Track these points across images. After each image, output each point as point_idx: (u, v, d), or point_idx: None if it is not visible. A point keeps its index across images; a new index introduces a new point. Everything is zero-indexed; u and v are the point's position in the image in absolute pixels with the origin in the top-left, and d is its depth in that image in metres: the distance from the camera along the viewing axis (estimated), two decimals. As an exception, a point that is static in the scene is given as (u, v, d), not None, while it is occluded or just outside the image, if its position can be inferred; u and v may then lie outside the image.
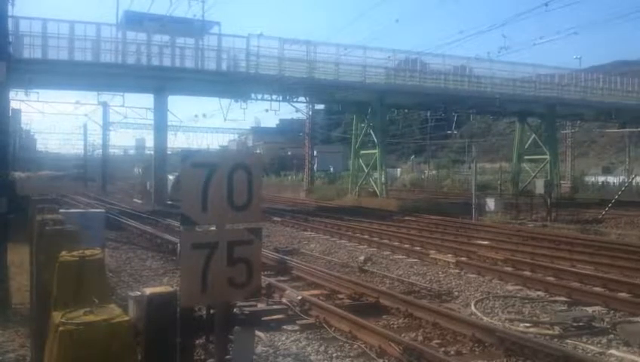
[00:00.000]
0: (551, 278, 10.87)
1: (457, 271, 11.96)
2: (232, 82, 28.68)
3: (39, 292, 3.93)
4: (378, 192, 32.72)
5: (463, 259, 12.97)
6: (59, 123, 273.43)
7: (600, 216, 23.91)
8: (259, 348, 6.49)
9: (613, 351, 6.72)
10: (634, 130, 43.62)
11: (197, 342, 4.00)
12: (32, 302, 5.08)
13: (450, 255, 13.52)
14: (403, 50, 34.64)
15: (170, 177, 31.12)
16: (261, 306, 8.03)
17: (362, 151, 34.84)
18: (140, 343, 2.64)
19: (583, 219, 23.62)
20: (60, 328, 1.74)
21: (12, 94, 26.24)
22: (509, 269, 11.92)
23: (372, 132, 33.16)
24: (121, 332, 1.79)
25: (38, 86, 29.62)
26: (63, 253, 2.64)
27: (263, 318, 7.53)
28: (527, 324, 7.81)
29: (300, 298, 8.43)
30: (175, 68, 28.53)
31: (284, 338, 7.05)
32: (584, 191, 42.17)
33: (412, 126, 73.74)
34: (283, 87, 30.65)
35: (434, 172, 67.20)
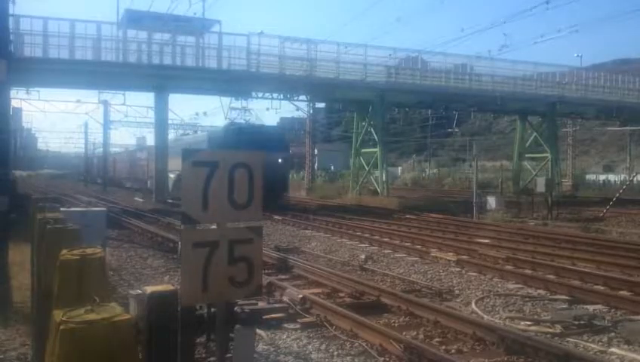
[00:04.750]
0: (552, 276, 10.85)
1: (458, 269, 11.95)
2: (233, 80, 28.67)
3: (40, 291, 3.93)
4: (379, 191, 32.71)
5: (464, 257, 12.96)
6: (60, 122, 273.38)
7: (601, 215, 23.90)
8: (260, 347, 6.49)
9: (614, 350, 6.71)
10: (635, 128, 43.60)
11: (198, 340, 4.00)
12: (34, 300, 5.09)
13: (451, 253, 13.52)
14: (404, 48, 34.79)
15: (171, 176, 31.11)
16: (262, 305, 8.04)
17: (363, 150, 34.80)
18: (141, 342, 2.64)
19: (584, 218, 23.59)
20: (61, 326, 1.75)
21: (13, 93, 26.26)
22: (510, 267, 11.90)
23: (373, 130, 33.13)
24: (122, 330, 1.80)
25: (38, 84, 29.64)
26: (64, 251, 2.65)
27: (263, 317, 7.55)
28: (528, 322, 7.80)
29: (300, 296, 8.43)
30: (176, 66, 28.50)
31: (285, 337, 7.05)
32: (585, 190, 42.17)
33: (413, 124, 73.81)
34: (284, 85, 30.66)
35: (435, 170, 67.29)
